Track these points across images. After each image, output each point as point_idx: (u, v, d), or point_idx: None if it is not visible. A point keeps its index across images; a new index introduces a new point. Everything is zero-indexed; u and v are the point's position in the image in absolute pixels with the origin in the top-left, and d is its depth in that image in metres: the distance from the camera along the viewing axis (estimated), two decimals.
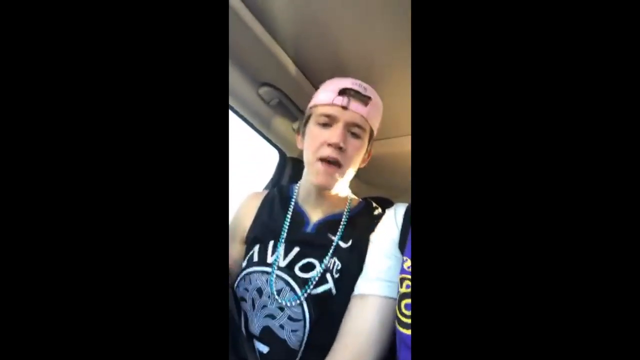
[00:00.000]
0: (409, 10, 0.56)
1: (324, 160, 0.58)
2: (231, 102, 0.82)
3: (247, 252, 0.64)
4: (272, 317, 0.56)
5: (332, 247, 0.60)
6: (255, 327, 0.57)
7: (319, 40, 0.68)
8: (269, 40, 0.68)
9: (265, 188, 1.04)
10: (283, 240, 0.61)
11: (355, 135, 0.60)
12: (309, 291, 0.55)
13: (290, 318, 0.55)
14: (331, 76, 0.65)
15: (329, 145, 0.57)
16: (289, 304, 0.55)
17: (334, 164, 0.58)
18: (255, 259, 0.61)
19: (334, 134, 0.57)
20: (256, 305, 0.57)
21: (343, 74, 0.65)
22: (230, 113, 0.85)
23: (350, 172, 0.62)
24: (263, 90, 0.81)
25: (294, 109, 0.89)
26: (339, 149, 0.57)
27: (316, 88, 0.84)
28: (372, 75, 0.71)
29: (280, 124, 0.94)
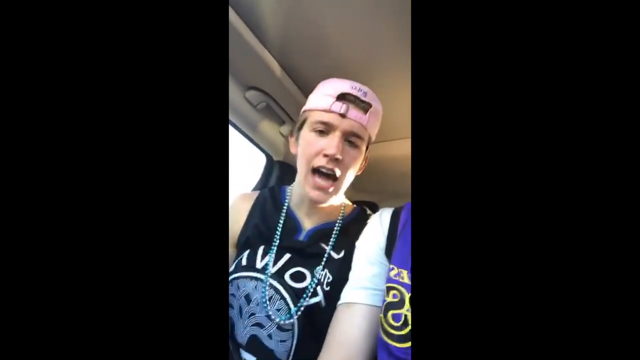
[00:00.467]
0: (405, 9, 0.54)
1: (319, 171, 0.56)
2: None
3: (237, 256, 0.62)
4: (261, 326, 0.55)
5: (325, 258, 0.58)
6: (242, 336, 0.56)
7: (308, 42, 0.66)
8: (256, 43, 0.67)
9: (254, 189, 1.04)
10: (275, 246, 0.60)
11: (353, 145, 0.57)
12: (302, 306, 0.54)
13: (279, 327, 0.54)
14: (320, 80, 0.62)
15: (325, 155, 0.55)
16: (282, 322, 0.53)
17: (330, 176, 0.56)
18: (244, 263, 0.59)
19: (331, 144, 0.54)
20: (243, 313, 0.56)
21: (333, 77, 0.62)
22: None
23: (347, 182, 0.60)
24: (250, 93, 0.80)
25: (282, 113, 0.88)
26: (335, 160, 0.54)
27: (304, 92, 0.83)
28: (364, 77, 0.68)
29: (268, 127, 0.93)
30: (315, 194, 0.56)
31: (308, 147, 0.57)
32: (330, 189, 0.56)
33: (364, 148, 0.59)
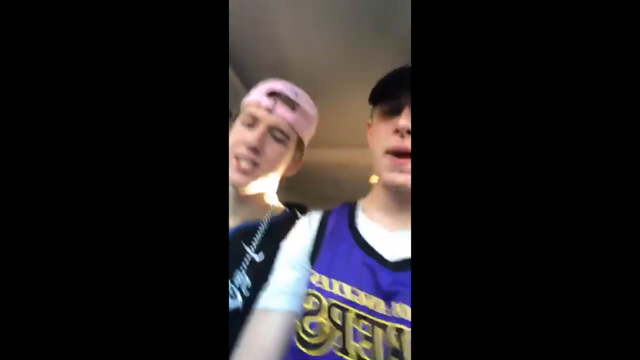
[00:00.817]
0: (354, 27, 0.56)
1: (239, 158, 0.56)
2: None
3: None
4: None
5: (246, 261, 0.56)
6: None
7: (258, 38, 0.66)
8: None
9: None
10: None
11: (278, 140, 0.58)
12: None
13: None
14: (267, 76, 0.64)
15: (245, 145, 0.56)
16: None
17: (249, 163, 0.56)
18: None
19: (252, 135, 0.56)
20: None
21: (279, 76, 0.64)
22: None
23: (271, 177, 0.60)
24: None
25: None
26: (254, 150, 0.56)
27: (247, 87, 0.80)
28: (311, 83, 0.71)
29: None
30: (235, 177, 0.56)
31: (232, 137, 0.58)
32: (250, 172, 0.57)
33: (291, 146, 0.61)
